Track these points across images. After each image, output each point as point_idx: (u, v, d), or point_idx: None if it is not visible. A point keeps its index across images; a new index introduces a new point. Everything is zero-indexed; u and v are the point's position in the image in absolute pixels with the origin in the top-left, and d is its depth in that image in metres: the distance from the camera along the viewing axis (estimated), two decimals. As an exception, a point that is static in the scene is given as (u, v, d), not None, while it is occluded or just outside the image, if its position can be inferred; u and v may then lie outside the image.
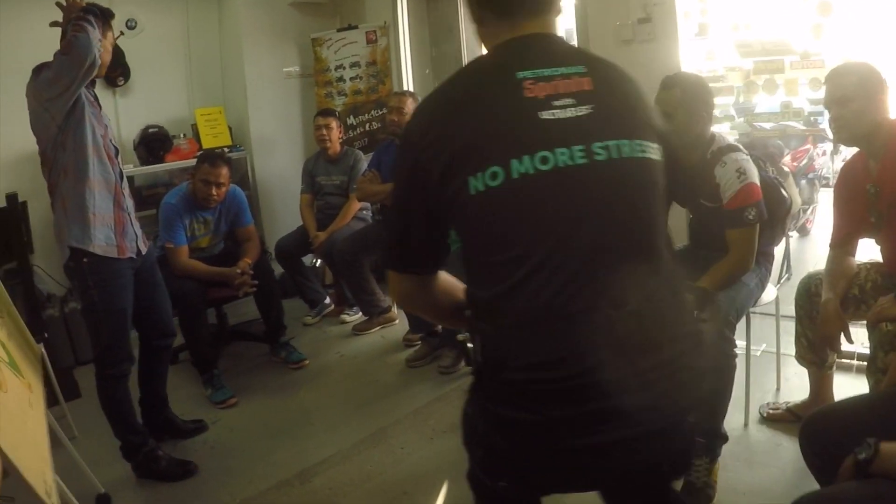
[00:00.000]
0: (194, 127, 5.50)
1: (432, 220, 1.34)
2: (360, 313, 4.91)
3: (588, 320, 1.22)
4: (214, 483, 3.05)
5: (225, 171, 4.06)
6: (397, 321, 4.71)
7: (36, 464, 1.88)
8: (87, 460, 2.90)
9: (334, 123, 4.99)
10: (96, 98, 2.91)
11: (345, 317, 5.01)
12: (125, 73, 5.23)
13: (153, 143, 5.18)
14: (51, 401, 3.13)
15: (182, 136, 5.40)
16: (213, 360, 4.02)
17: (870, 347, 2.33)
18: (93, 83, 2.88)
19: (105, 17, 2.81)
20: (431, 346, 4.06)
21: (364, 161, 5.01)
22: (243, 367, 4.39)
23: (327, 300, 5.15)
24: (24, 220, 4.06)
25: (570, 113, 1.25)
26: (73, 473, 2.76)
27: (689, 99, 2.66)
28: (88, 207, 2.78)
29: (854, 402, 1.98)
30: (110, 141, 2.90)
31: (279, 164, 5.71)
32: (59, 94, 2.65)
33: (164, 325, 3.24)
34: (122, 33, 5.05)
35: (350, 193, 4.87)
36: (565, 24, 4.03)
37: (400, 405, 3.57)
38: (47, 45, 2.81)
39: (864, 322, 2.52)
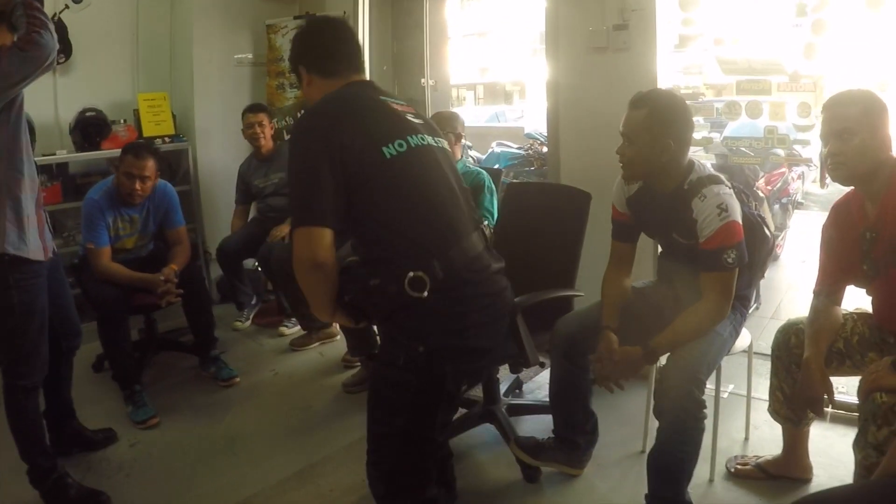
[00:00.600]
0: (136, 112, 5.09)
1: (341, 182, 1.83)
2: (299, 326, 4.59)
3: None
4: None
5: (151, 163, 3.70)
6: (338, 337, 4.39)
7: None
8: None
9: (266, 120, 4.71)
10: None
11: (283, 329, 4.71)
12: (66, 50, 4.80)
13: (89, 128, 4.74)
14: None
15: (122, 121, 4.99)
16: (136, 375, 3.68)
17: (859, 418, 2.05)
18: None
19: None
20: (371, 371, 3.72)
21: None
22: (170, 380, 4.05)
23: (254, 300, 4.93)
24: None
25: (416, 120, 2.04)
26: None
27: (655, 123, 2.33)
28: (24, 210, 2.52)
29: (846, 494, 1.70)
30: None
31: (224, 158, 5.32)
32: (7, 89, 2.38)
33: (71, 323, 2.96)
34: (66, 6, 4.71)
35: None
36: (536, 27, 3.77)
37: (332, 437, 3.23)
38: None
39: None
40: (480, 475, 2.94)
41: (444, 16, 4.91)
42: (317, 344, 4.43)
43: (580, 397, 2.72)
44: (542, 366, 2.86)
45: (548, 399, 2.88)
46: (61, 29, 4.70)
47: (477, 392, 3.15)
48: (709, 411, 2.37)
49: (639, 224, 2.64)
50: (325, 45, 2.12)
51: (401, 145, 1.90)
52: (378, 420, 2.01)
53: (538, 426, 3.12)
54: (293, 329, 4.66)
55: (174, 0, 5.39)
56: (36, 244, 2.57)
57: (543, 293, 2.68)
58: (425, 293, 1.80)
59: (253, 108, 4.76)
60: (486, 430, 3.11)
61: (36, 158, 2.71)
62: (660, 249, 2.82)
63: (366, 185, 1.85)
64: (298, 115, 4.60)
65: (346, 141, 1.84)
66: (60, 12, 4.65)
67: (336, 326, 4.35)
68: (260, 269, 4.62)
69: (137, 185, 3.66)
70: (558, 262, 2.94)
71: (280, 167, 4.68)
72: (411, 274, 1.80)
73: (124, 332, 3.65)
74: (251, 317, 4.94)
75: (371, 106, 2.00)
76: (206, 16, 5.19)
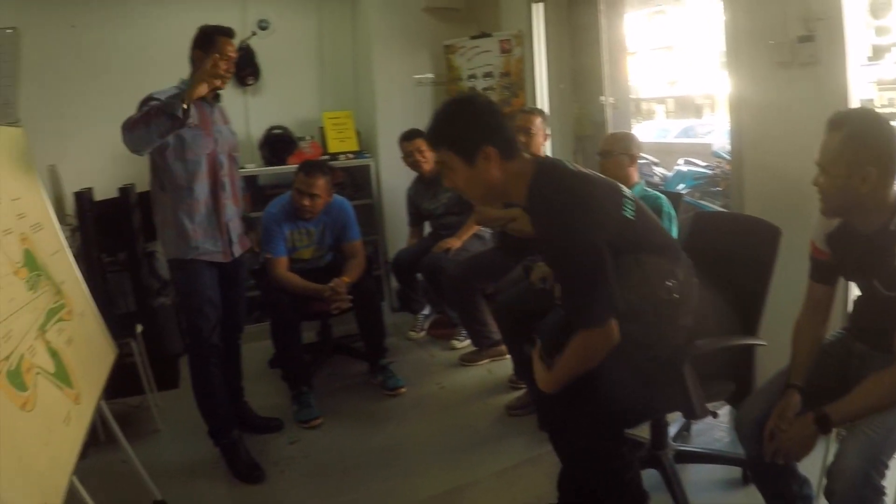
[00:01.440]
0: (321, 130, 5.38)
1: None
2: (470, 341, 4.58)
3: None
4: None
5: (321, 182, 3.88)
6: (508, 356, 4.30)
7: (35, 493, 1.73)
8: (160, 456, 3.27)
9: (424, 144, 4.63)
10: (207, 113, 3.08)
11: (455, 342, 4.73)
12: (255, 73, 5.21)
13: (277, 145, 5.10)
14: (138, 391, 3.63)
15: (308, 138, 5.29)
16: (304, 377, 3.86)
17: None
18: (215, 97, 3.14)
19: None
20: (534, 396, 3.66)
21: None
22: (338, 384, 4.22)
23: (426, 310, 5.01)
24: (141, 210, 4.02)
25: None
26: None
27: (853, 147, 1.94)
28: (185, 225, 3.06)
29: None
30: (218, 156, 3.10)
31: (406, 173, 5.45)
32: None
33: (235, 318, 3.39)
34: (254, 33, 5.09)
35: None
36: (714, 43, 3.51)
37: (487, 461, 3.17)
38: (177, 41, 3.13)
39: None
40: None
41: (623, 30, 4.74)
42: (486, 361, 4.40)
43: (783, 474, 2.26)
44: (715, 416, 2.60)
45: (719, 446, 2.72)
46: (249, 54, 5.09)
47: (643, 430, 2.87)
48: (889, 499, 1.96)
49: (839, 265, 2.24)
50: (503, 123, 2.07)
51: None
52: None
53: (706, 476, 2.86)
54: (465, 343, 4.67)
55: (356, 24, 5.67)
56: (213, 247, 3.13)
57: (722, 339, 2.38)
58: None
59: (407, 136, 4.77)
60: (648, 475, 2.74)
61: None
62: (856, 293, 2.33)
63: (622, 247, 2.01)
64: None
65: (608, 220, 1.98)
66: (248, 39, 5.03)
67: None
68: (424, 280, 4.68)
69: (307, 202, 3.87)
70: (740, 304, 2.52)
71: (446, 188, 4.69)
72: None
73: (295, 337, 3.85)
74: (426, 327, 5.03)
75: (586, 177, 2.07)
76: (385, 38, 5.39)
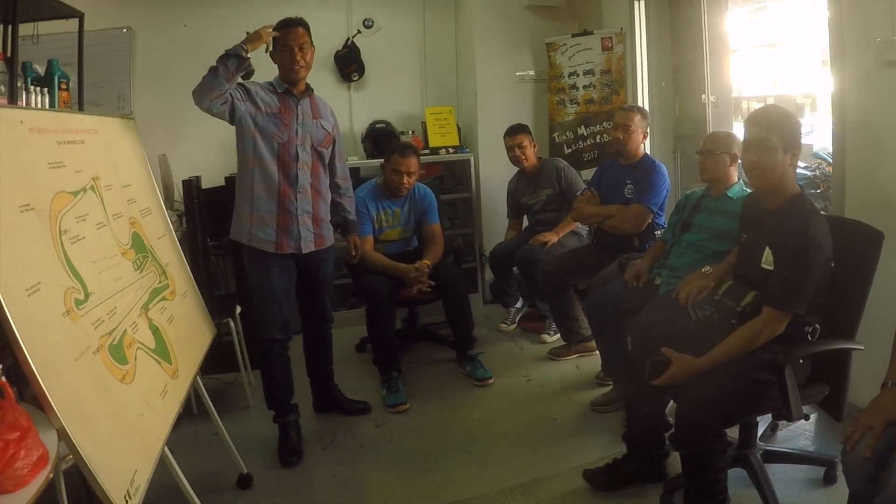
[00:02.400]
0: (423, 125, 5.50)
1: None
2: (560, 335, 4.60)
3: None
4: (346, 491, 3.04)
5: (414, 161, 4.13)
6: (597, 353, 4.28)
7: (127, 462, 1.85)
8: (249, 432, 3.43)
9: (527, 140, 4.74)
10: (291, 104, 3.21)
11: (545, 336, 4.76)
12: (360, 69, 5.37)
13: (379, 138, 5.24)
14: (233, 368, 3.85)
15: (410, 132, 5.42)
16: (394, 362, 4.01)
17: None
18: (292, 88, 3.22)
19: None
20: (622, 393, 3.64)
21: (570, 169, 4.74)
22: (427, 370, 4.34)
23: (519, 304, 5.05)
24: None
25: None
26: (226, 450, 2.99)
27: None
28: (244, 209, 3.20)
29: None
30: (294, 147, 3.19)
31: (504, 169, 5.50)
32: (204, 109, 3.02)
33: (319, 310, 3.55)
34: (359, 31, 5.25)
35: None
36: (825, 46, 3.38)
37: (568, 455, 3.18)
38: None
39: None
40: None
41: (725, 27, 4.62)
42: (575, 356, 4.40)
43: None
44: (807, 419, 2.58)
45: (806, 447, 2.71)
46: (354, 51, 5.25)
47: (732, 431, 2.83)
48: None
49: None
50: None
51: None
52: None
53: (791, 475, 2.82)
54: (554, 337, 4.70)
55: (458, 21, 5.78)
56: (266, 236, 3.19)
57: (819, 343, 2.43)
58: None
59: (510, 132, 4.82)
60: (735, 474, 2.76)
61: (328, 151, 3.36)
62: None
63: None
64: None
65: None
66: (353, 37, 5.22)
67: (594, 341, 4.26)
68: (518, 272, 4.71)
69: (405, 180, 4.12)
70: (839, 308, 2.52)
71: (547, 183, 4.76)
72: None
73: (390, 322, 4.01)
74: (517, 320, 5.08)
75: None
76: (487, 35, 5.46)
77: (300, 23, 3.18)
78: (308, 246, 3.28)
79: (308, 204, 3.26)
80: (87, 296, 1.92)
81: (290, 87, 3.21)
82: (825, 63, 3.41)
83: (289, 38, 3.13)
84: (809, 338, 2.42)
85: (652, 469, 2.88)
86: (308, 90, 3.29)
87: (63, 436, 1.58)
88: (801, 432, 3.24)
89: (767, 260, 2.48)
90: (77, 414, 1.64)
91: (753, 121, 2.50)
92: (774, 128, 2.45)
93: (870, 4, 3.00)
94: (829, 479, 2.77)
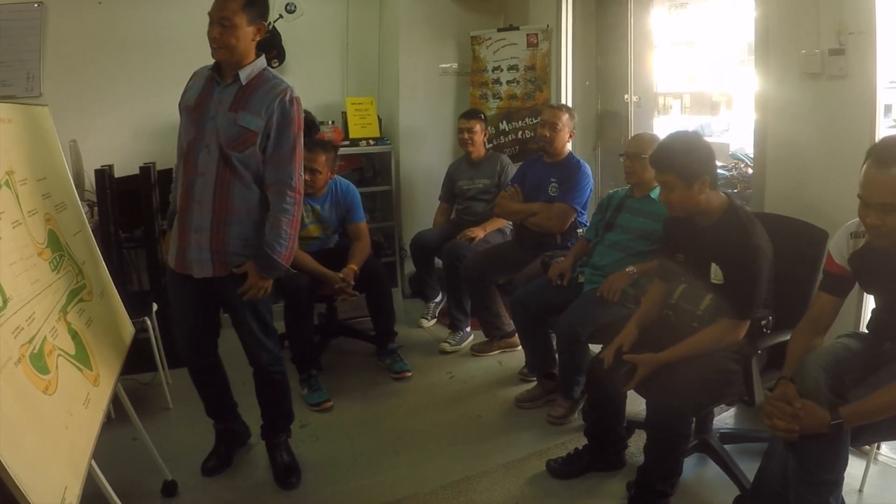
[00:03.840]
0: (344, 115, 5.39)
1: None
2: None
3: None
4: (276, 495, 2.94)
5: (322, 158, 3.92)
6: (518, 348, 4.32)
7: (56, 480, 1.74)
8: (171, 435, 3.29)
9: (478, 126, 4.75)
10: (211, 92, 2.65)
11: (423, 321, 4.99)
12: (280, 55, 5.21)
13: (298, 128, 5.09)
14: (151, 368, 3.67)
15: (330, 122, 5.29)
16: (314, 360, 3.92)
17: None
18: (220, 77, 2.65)
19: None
20: (545, 390, 3.67)
21: (513, 168, 4.70)
22: (345, 366, 4.28)
23: (439, 298, 5.04)
24: (160, 188, 4.04)
25: None
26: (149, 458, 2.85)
27: None
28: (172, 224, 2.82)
29: None
30: (197, 147, 2.63)
31: (425, 162, 5.50)
32: None
33: (248, 349, 2.91)
34: (280, 16, 5.10)
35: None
36: (743, 45, 3.48)
37: (495, 452, 3.20)
38: (201, 22, 2.61)
39: None
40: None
41: (650, 26, 4.71)
42: (497, 352, 4.42)
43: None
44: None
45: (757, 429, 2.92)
46: (275, 36, 5.10)
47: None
48: None
49: (860, 280, 2.32)
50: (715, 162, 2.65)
51: None
52: None
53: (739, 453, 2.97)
54: (431, 322, 4.93)
55: (382, 11, 5.67)
56: (170, 251, 2.79)
57: (778, 334, 2.60)
58: None
59: (466, 115, 4.85)
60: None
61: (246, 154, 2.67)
62: (875, 303, 2.43)
63: None
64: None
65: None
66: (275, 21, 5.04)
67: (517, 337, 4.23)
68: (442, 265, 4.70)
69: (307, 177, 3.71)
70: (787, 299, 2.70)
71: (488, 174, 4.76)
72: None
73: (308, 320, 3.92)
74: (437, 314, 5.06)
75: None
76: (412, 26, 5.38)
77: None
78: (203, 270, 2.68)
79: (204, 220, 2.63)
80: (4, 302, 1.78)
81: (217, 72, 2.66)
82: (742, 62, 3.52)
83: (211, 11, 2.55)
84: (765, 330, 2.58)
85: (612, 459, 3.01)
86: (236, 75, 2.59)
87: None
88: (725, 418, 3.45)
89: (717, 275, 2.60)
90: (2, 431, 1.53)
91: (653, 162, 2.66)
92: (669, 167, 2.57)
93: (795, 14, 3.13)
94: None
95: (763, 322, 2.58)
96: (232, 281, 2.70)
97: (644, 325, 2.82)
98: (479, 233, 4.55)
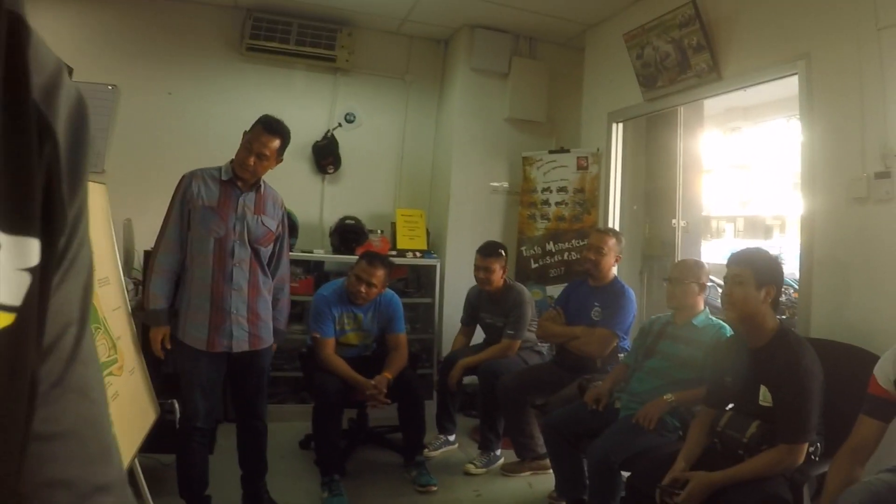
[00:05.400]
0: (393, 225, 5.49)
1: None
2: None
3: None
4: None
5: (381, 272, 3.98)
6: (550, 471, 4.17)
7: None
8: None
9: (496, 265, 4.53)
10: (233, 196, 3.12)
11: (471, 466, 4.32)
12: (336, 162, 5.38)
13: (347, 234, 5.20)
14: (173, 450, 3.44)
15: (379, 232, 5.38)
16: (338, 465, 3.82)
17: None
18: (241, 185, 3.14)
19: None
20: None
21: (528, 304, 4.55)
22: (369, 473, 4.14)
23: (452, 437, 4.71)
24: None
25: None
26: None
27: None
28: (182, 306, 3.08)
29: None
30: (230, 242, 3.08)
31: (469, 277, 5.45)
32: None
33: (249, 407, 3.32)
34: (339, 125, 5.29)
35: (505, 335, 4.48)
36: (797, 169, 3.49)
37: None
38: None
39: None
40: None
41: (699, 149, 4.76)
42: (528, 473, 4.25)
43: None
44: None
45: None
46: (333, 143, 5.27)
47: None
48: None
49: None
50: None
51: None
52: None
53: None
54: (480, 470, 4.31)
55: (438, 126, 5.88)
56: (199, 333, 3.05)
57: (828, 462, 2.48)
58: None
59: (485, 252, 4.60)
60: None
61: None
62: None
63: None
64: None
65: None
66: (334, 129, 5.24)
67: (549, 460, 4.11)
68: (479, 382, 4.57)
69: (363, 289, 3.95)
70: (834, 425, 2.60)
71: (503, 312, 4.61)
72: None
73: (336, 423, 3.85)
74: (440, 450, 4.64)
75: None
76: (466, 143, 5.54)
77: (275, 131, 3.09)
78: (240, 345, 3.13)
79: (243, 302, 3.13)
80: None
81: (236, 178, 3.13)
82: (796, 186, 3.51)
83: (252, 140, 3.06)
84: (813, 457, 2.51)
85: None
86: (256, 184, 3.18)
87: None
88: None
89: (766, 398, 2.56)
90: None
91: (733, 259, 2.69)
92: (748, 263, 2.62)
93: (840, 138, 3.14)
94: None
95: (811, 449, 2.49)
96: (257, 353, 3.21)
97: (691, 458, 2.70)
98: (470, 361, 4.49)
